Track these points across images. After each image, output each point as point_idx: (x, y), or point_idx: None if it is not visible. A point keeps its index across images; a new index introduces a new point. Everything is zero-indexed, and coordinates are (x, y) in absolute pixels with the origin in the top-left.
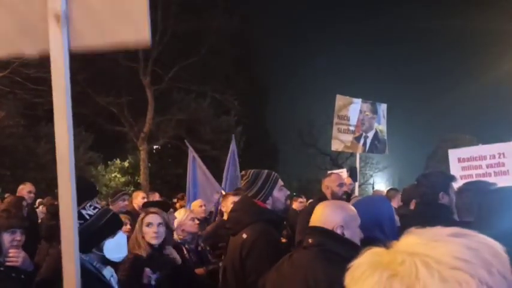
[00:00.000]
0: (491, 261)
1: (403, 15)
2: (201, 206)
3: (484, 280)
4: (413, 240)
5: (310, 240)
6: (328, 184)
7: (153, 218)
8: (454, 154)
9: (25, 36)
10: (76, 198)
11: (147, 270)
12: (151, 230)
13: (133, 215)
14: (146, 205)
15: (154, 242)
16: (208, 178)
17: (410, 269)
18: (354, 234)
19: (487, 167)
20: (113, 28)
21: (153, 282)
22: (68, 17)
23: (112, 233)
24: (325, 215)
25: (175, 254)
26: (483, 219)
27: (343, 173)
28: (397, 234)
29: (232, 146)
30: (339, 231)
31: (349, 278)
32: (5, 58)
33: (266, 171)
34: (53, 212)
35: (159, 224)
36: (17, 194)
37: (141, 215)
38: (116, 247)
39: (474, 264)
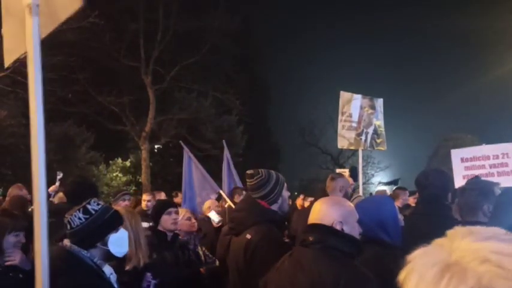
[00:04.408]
0: None
1: (406, 14)
2: (209, 207)
3: None
4: (478, 244)
5: (310, 238)
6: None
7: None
8: (457, 154)
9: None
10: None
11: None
12: None
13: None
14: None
15: None
16: (206, 178)
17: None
18: (353, 229)
19: (490, 167)
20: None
21: None
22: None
23: (115, 227)
24: (323, 212)
25: None
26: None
27: (346, 172)
28: (400, 234)
29: (226, 152)
30: (338, 227)
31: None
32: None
33: (274, 171)
34: (51, 210)
35: None
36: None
37: None
38: (119, 242)
39: None
